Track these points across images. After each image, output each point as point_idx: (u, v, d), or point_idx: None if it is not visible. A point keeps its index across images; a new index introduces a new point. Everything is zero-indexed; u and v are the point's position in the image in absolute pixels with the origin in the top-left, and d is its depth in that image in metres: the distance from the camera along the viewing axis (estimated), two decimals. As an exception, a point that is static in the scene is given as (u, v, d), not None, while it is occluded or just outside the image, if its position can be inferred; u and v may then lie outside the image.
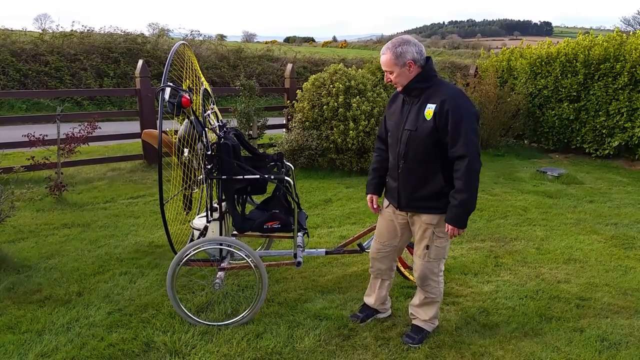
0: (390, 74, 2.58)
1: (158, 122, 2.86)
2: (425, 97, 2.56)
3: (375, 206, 3.00)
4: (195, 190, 3.61)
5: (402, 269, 3.64)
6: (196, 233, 3.36)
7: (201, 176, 3.29)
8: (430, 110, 2.52)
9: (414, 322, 2.96)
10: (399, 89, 2.64)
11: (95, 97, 13.63)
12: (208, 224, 3.22)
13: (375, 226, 3.57)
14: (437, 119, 2.49)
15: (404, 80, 2.57)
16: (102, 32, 16.54)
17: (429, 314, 2.91)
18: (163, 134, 2.97)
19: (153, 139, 3.82)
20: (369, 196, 3.00)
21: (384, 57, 2.56)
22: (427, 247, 2.73)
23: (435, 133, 2.51)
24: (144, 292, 3.45)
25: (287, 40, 56.64)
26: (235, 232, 3.41)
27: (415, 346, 2.83)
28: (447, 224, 2.59)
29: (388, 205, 2.90)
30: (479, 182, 2.55)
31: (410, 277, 3.64)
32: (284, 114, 8.68)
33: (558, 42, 9.92)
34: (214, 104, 3.61)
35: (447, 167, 2.57)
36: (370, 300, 3.13)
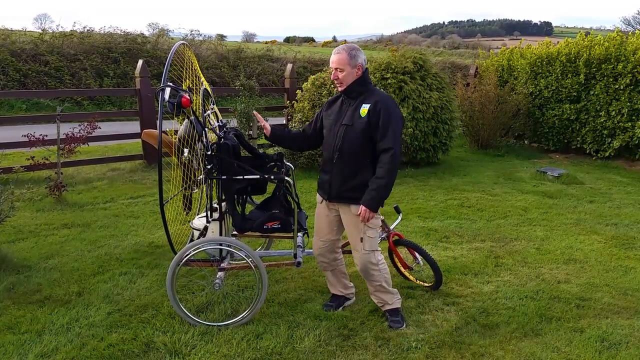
0: (341, 71, 2.88)
1: (158, 122, 2.86)
2: (361, 99, 2.91)
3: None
4: (195, 191, 3.61)
5: (402, 269, 3.64)
6: (196, 233, 3.36)
7: (201, 176, 3.29)
8: (365, 108, 2.88)
9: (385, 308, 3.14)
10: (342, 88, 2.93)
11: (95, 97, 13.62)
12: (208, 224, 3.22)
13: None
14: (370, 116, 2.84)
15: (350, 80, 2.89)
16: (102, 32, 16.52)
17: (389, 297, 3.13)
18: (163, 134, 2.97)
19: (153, 139, 3.81)
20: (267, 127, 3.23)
21: (339, 55, 2.87)
22: (361, 239, 2.96)
23: (368, 129, 2.85)
24: (143, 292, 3.45)
25: (287, 40, 56.64)
26: (235, 232, 3.41)
27: (403, 326, 3.04)
28: (360, 206, 2.85)
29: (321, 201, 3.12)
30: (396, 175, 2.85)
31: (411, 277, 3.64)
32: (284, 114, 8.68)
33: (558, 42, 9.92)
34: (213, 104, 3.61)
35: (375, 162, 2.89)
36: (334, 290, 3.33)
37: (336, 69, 2.89)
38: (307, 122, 7.34)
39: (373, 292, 3.16)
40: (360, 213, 2.86)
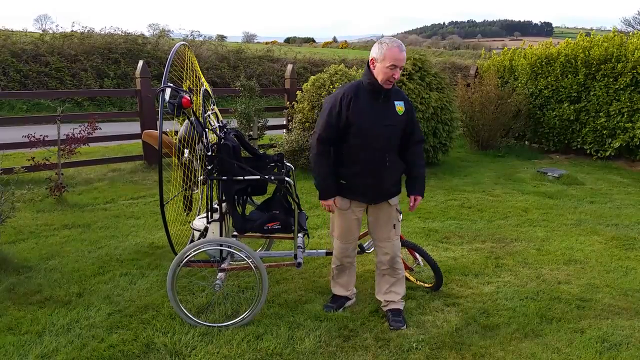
0: (400, 70, 2.80)
1: (158, 122, 2.86)
2: (389, 96, 2.90)
3: (339, 205, 3.07)
4: (196, 191, 3.61)
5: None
6: (196, 234, 3.36)
7: (201, 177, 3.29)
8: (400, 106, 2.90)
9: (389, 307, 3.13)
10: (389, 86, 2.84)
11: (95, 97, 13.63)
12: (208, 225, 3.22)
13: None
14: (408, 113, 2.92)
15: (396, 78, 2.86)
16: (103, 32, 16.53)
17: (401, 291, 3.17)
18: (163, 134, 2.97)
19: (153, 139, 3.82)
20: (332, 200, 3.02)
21: (404, 53, 2.79)
22: (394, 226, 3.05)
23: (406, 126, 2.93)
24: (144, 293, 3.45)
25: (288, 40, 56.67)
26: (235, 233, 3.41)
27: (404, 326, 3.02)
28: (415, 197, 3.03)
29: (348, 207, 3.05)
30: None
31: (411, 278, 3.64)
32: (284, 115, 8.68)
33: (558, 42, 9.92)
34: (214, 105, 3.61)
35: (401, 153, 3.02)
36: (340, 291, 3.29)
37: (401, 67, 2.80)
38: (307, 123, 7.34)
39: (388, 289, 3.14)
40: (413, 204, 3.05)
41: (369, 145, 2.88)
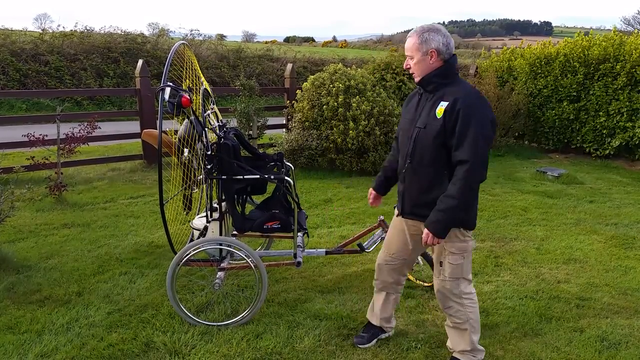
0: (411, 59, 2.41)
1: (158, 122, 2.86)
2: (441, 94, 2.35)
3: (371, 200, 2.86)
4: (195, 190, 3.61)
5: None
6: (196, 233, 3.36)
7: (201, 176, 3.29)
8: (441, 108, 2.30)
9: (454, 355, 2.65)
10: (416, 79, 2.44)
11: (95, 97, 13.63)
12: (208, 224, 3.22)
13: (375, 226, 3.58)
14: (446, 118, 2.28)
15: (422, 69, 2.39)
16: (102, 32, 16.54)
17: (460, 344, 2.59)
18: (163, 134, 2.97)
19: (153, 139, 3.82)
20: (370, 189, 2.85)
21: (409, 40, 2.39)
22: (441, 264, 2.50)
23: (443, 134, 2.29)
24: (143, 292, 3.45)
25: (287, 40, 56.66)
26: (235, 232, 3.41)
27: None
28: (424, 228, 2.37)
29: (397, 213, 2.66)
30: (476, 194, 2.32)
31: (410, 277, 3.64)
32: (283, 114, 8.68)
33: (558, 42, 9.92)
34: (213, 104, 3.61)
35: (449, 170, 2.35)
36: (374, 318, 2.88)
37: (407, 56, 2.43)
38: (306, 122, 7.34)
39: (450, 325, 2.64)
40: (425, 236, 2.37)
41: (401, 145, 2.56)
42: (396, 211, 2.69)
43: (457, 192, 2.24)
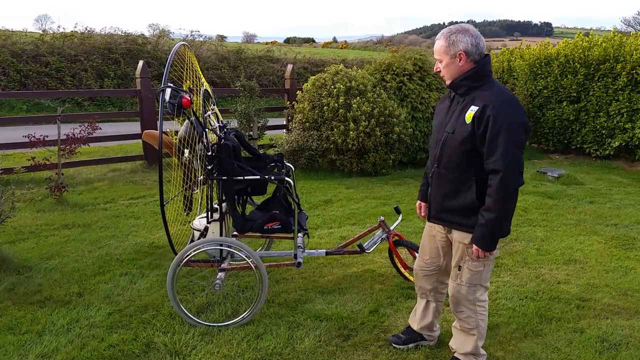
0: (440, 62, 2.34)
1: (158, 122, 2.86)
2: (471, 98, 2.28)
3: (423, 214, 2.73)
4: (196, 191, 3.62)
5: (402, 269, 3.64)
6: (196, 234, 3.36)
7: (201, 177, 3.30)
8: (471, 113, 2.24)
9: (456, 355, 2.64)
10: (447, 82, 2.37)
11: (95, 97, 13.64)
12: (208, 225, 3.23)
13: (375, 227, 3.59)
14: (475, 124, 2.21)
15: (453, 72, 2.31)
16: (103, 32, 16.55)
17: (464, 346, 2.57)
18: (163, 134, 2.98)
19: (153, 139, 3.82)
20: (417, 202, 2.75)
21: (437, 42, 2.33)
22: (459, 268, 2.45)
23: (472, 140, 2.23)
24: (144, 292, 3.45)
25: (288, 41, 56.67)
26: (235, 233, 3.42)
27: None
28: (473, 244, 2.33)
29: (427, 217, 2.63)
30: (515, 199, 2.23)
31: (411, 278, 3.64)
32: (284, 115, 8.69)
33: (557, 42, 9.93)
34: (214, 105, 3.61)
35: (482, 181, 2.28)
36: (414, 323, 2.83)
37: (437, 59, 2.36)
38: (307, 123, 7.35)
39: (457, 328, 2.63)
40: (473, 252, 2.35)
41: (431, 149, 2.52)
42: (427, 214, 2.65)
43: (494, 203, 2.20)
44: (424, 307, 2.78)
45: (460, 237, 2.42)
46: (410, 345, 2.81)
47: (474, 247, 2.32)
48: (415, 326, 2.83)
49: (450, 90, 2.43)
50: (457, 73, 2.31)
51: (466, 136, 2.24)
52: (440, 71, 2.38)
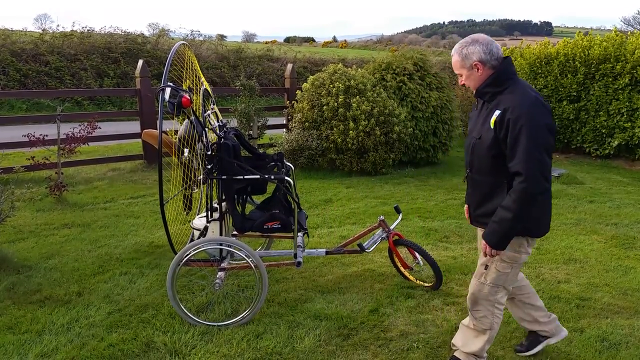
0: (460, 76, 2.40)
1: (158, 122, 2.86)
2: (496, 103, 2.29)
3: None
4: (196, 190, 3.61)
5: (402, 269, 3.64)
6: (196, 233, 3.36)
7: (201, 176, 3.30)
8: (494, 117, 2.25)
9: (457, 353, 2.64)
10: (473, 90, 2.42)
11: (95, 97, 13.63)
12: (208, 224, 3.22)
13: (375, 226, 3.59)
14: (497, 128, 2.22)
15: (474, 83, 2.36)
16: (102, 32, 16.54)
17: (470, 345, 2.56)
18: (163, 134, 2.98)
19: (153, 139, 3.82)
20: (465, 206, 2.72)
21: (453, 59, 2.39)
22: (486, 267, 2.44)
23: (496, 144, 2.24)
24: (144, 292, 3.45)
25: (287, 40, 56.66)
26: (235, 232, 3.41)
27: None
28: (482, 239, 2.36)
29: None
30: (540, 204, 2.24)
31: (411, 277, 3.64)
32: (284, 114, 8.68)
33: (557, 42, 9.93)
34: (214, 104, 3.61)
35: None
36: (522, 322, 2.77)
37: (457, 74, 2.42)
38: (306, 122, 7.35)
39: (468, 326, 2.61)
40: (482, 245, 2.37)
41: (464, 154, 2.55)
42: None
43: (512, 204, 2.19)
44: (511, 305, 2.75)
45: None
46: (536, 349, 2.74)
47: (483, 242, 2.34)
48: (526, 325, 2.76)
49: (477, 98, 2.46)
50: (479, 82, 2.34)
51: (491, 141, 2.27)
52: (462, 84, 2.42)
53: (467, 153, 2.46)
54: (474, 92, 2.40)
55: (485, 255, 2.36)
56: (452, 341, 2.70)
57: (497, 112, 2.24)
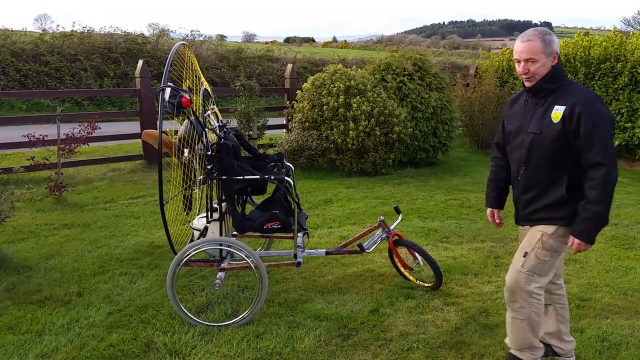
0: (533, 62, 2.31)
1: (158, 122, 2.86)
2: (553, 99, 2.34)
3: (497, 220, 2.79)
4: (195, 191, 3.61)
5: (402, 269, 3.64)
6: (196, 233, 3.36)
7: (201, 176, 3.29)
8: (558, 112, 2.29)
9: (512, 350, 2.62)
10: (531, 83, 2.37)
11: (95, 97, 13.62)
12: (208, 225, 3.22)
13: (375, 226, 3.59)
14: (566, 122, 2.26)
15: (544, 72, 2.33)
16: (102, 32, 16.52)
17: (518, 341, 2.54)
18: (163, 134, 2.98)
19: (153, 139, 3.82)
20: (488, 210, 2.78)
21: (531, 43, 2.30)
22: (525, 254, 2.43)
23: (563, 138, 2.28)
24: (144, 292, 3.45)
25: (287, 40, 56.64)
26: (235, 233, 3.41)
27: None
28: (572, 238, 2.33)
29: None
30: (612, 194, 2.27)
31: (411, 277, 3.64)
32: (284, 114, 8.68)
33: (558, 42, 9.93)
34: (214, 104, 3.61)
35: (573, 175, 2.33)
36: (543, 334, 2.72)
37: (527, 60, 2.32)
38: (306, 122, 7.35)
39: (510, 321, 2.56)
40: (573, 245, 2.34)
41: (512, 153, 2.53)
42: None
43: (601, 196, 2.23)
44: (543, 311, 2.67)
45: (542, 228, 2.43)
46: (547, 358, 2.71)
47: (575, 240, 2.33)
48: (543, 337, 2.72)
49: (527, 93, 2.44)
50: (546, 72, 2.34)
51: (556, 135, 2.30)
52: (527, 72, 2.35)
53: (522, 149, 2.43)
54: (533, 84, 2.36)
55: (576, 252, 2.37)
56: (505, 340, 2.67)
57: (561, 107, 2.29)
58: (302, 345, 2.83)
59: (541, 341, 2.74)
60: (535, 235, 2.44)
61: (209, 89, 3.64)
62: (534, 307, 2.47)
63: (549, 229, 2.41)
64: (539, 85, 2.36)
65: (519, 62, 2.36)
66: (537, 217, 2.44)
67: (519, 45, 2.34)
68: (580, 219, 2.30)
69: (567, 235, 2.39)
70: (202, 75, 3.66)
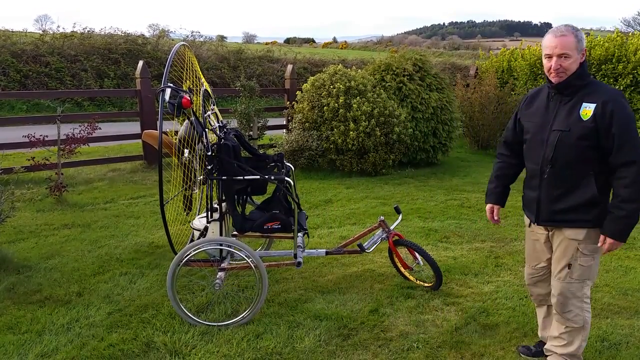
0: (567, 58, 2.27)
1: (158, 122, 2.86)
2: (580, 96, 2.31)
3: (496, 217, 2.75)
4: (196, 191, 3.62)
5: (402, 269, 3.64)
6: (196, 233, 3.36)
7: (201, 177, 3.30)
8: (588, 110, 2.26)
9: (549, 358, 2.60)
10: (559, 80, 2.32)
11: (95, 97, 13.63)
12: (208, 225, 3.23)
13: (375, 226, 3.59)
14: (598, 120, 2.23)
15: (574, 68, 2.30)
16: (103, 33, 16.53)
17: (568, 347, 2.51)
18: (163, 134, 2.98)
19: (153, 139, 3.83)
20: (488, 206, 2.75)
21: (565, 38, 2.26)
22: (569, 265, 2.41)
23: (593, 136, 2.25)
24: (144, 292, 3.45)
25: (288, 41, 56.67)
26: (235, 233, 3.42)
27: None
28: (605, 237, 2.30)
29: (529, 224, 2.61)
30: None
31: (411, 277, 3.64)
32: (284, 115, 8.69)
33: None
34: (214, 105, 3.62)
35: (601, 173, 2.31)
36: (542, 333, 2.77)
37: (560, 55, 2.27)
38: (306, 123, 7.35)
39: (556, 336, 2.55)
40: (605, 245, 2.31)
41: (532, 151, 2.48)
42: (527, 221, 2.62)
43: (634, 194, 2.22)
44: (545, 314, 2.74)
45: (573, 234, 2.38)
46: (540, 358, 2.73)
47: (608, 240, 2.30)
48: (544, 337, 2.75)
49: (551, 91, 2.40)
50: (576, 69, 2.31)
51: (586, 132, 2.26)
52: (559, 68, 2.30)
53: (544, 148, 2.39)
54: (561, 80, 2.32)
55: (607, 252, 2.35)
56: (545, 347, 2.65)
57: (591, 105, 2.26)
58: (302, 345, 2.83)
59: (541, 341, 2.76)
60: (570, 246, 2.40)
61: (209, 89, 3.64)
62: (587, 313, 2.49)
63: (579, 234, 2.37)
64: (568, 82, 2.31)
65: (551, 57, 2.31)
66: (565, 219, 2.38)
67: (552, 41, 2.29)
68: (613, 218, 2.27)
69: (598, 235, 2.36)
70: (202, 76, 3.67)
